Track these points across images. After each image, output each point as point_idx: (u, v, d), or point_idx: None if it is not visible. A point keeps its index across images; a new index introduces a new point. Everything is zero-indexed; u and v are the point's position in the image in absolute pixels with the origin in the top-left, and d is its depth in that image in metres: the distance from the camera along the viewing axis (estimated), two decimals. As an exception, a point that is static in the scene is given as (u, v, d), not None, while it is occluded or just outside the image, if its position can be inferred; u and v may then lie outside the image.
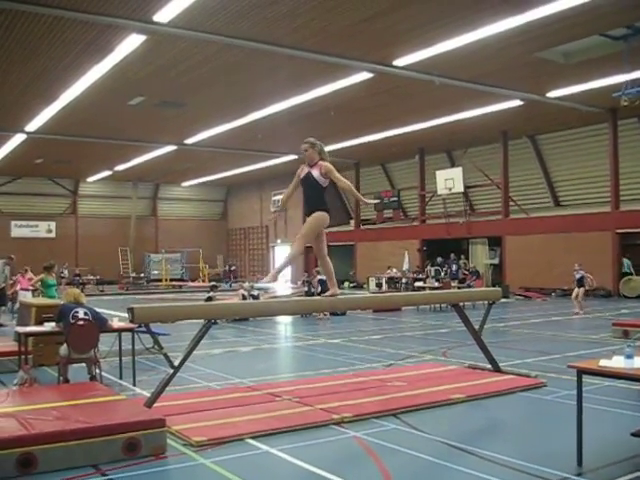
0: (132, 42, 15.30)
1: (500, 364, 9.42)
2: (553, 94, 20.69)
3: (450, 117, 23.88)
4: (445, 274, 27.13)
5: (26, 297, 16.01)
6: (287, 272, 40.12)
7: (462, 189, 30.10)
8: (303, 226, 7.65)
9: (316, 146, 7.74)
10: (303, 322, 18.41)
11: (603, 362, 5.45)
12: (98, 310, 9.15)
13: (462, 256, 28.51)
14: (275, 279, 7.59)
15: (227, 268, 41.06)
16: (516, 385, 8.44)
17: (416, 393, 7.97)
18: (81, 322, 8.45)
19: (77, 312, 8.55)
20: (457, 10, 13.92)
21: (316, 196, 7.66)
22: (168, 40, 15.50)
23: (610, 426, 6.58)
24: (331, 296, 8.02)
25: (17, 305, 16.49)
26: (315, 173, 7.58)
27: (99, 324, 8.70)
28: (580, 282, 18.96)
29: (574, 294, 19.03)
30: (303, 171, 7.75)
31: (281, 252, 42.52)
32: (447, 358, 11.18)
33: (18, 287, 18.06)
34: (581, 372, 5.47)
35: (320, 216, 7.54)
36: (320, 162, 7.65)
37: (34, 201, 41.25)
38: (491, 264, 29.81)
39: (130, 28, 14.46)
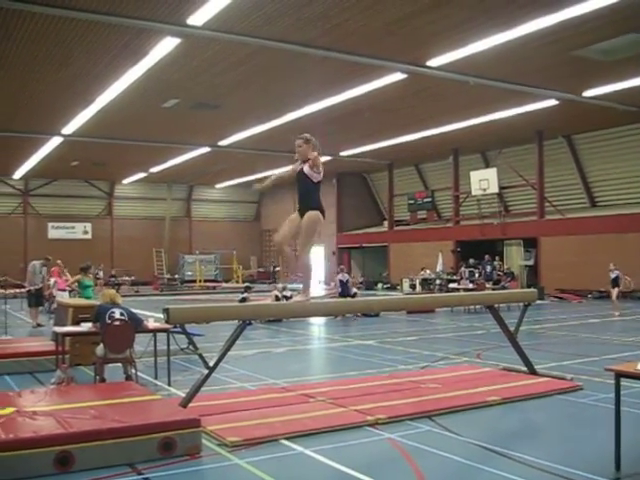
0: (166, 45, 15.41)
1: (536, 366, 9.33)
2: (589, 93, 20.41)
3: (484, 117, 23.69)
4: (479, 275, 26.91)
5: (63, 297, 16.22)
6: (320, 273, 40.27)
7: (497, 190, 29.88)
8: (301, 234, 7.43)
9: (310, 142, 7.51)
10: (336, 323, 18.40)
11: (642, 365, 5.37)
12: (134, 311, 9.24)
13: (497, 257, 28.25)
14: (308, 295, 7.52)
15: (272, 268, 41.05)
16: (552, 388, 8.35)
17: (451, 395, 7.92)
18: (117, 322, 8.55)
19: (113, 312, 8.65)
20: (491, 10, 13.79)
21: (307, 193, 7.50)
22: (202, 43, 15.59)
23: (649, 430, 6.48)
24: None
25: (54, 305, 16.73)
26: (306, 169, 7.39)
27: (135, 324, 8.79)
28: (615, 282, 18.71)
29: (613, 295, 18.79)
30: (298, 167, 7.58)
31: (314, 252, 42.55)
32: (482, 360, 11.09)
33: (52, 280, 18.33)
34: (619, 375, 5.38)
35: (313, 216, 7.37)
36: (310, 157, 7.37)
37: (70, 203, 41.79)
38: (526, 265, 29.52)
39: (165, 31, 14.56)
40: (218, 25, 14.25)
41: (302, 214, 7.39)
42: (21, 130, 25.35)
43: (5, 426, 5.47)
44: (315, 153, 7.35)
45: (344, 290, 21.85)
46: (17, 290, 23.51)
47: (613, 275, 18.84)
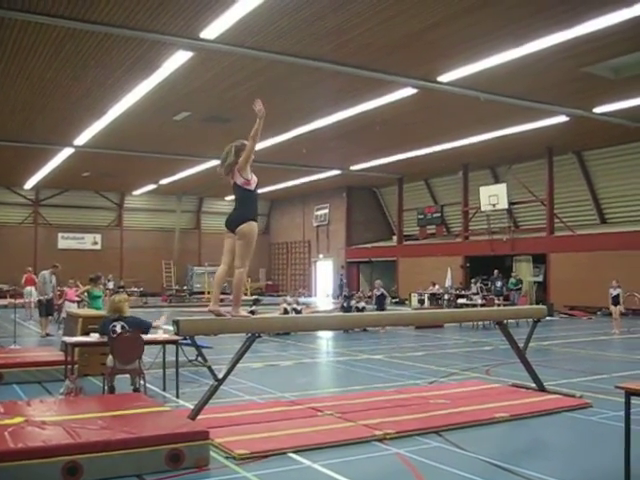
0: (179, 58, 15.53)
1: (544, 383, 9.29)
2: (600, 110, 20.41)
3: (495, 133, 23.72)
4: (488, 291, 26.84)
5: (71, 308, 16.27)
6: (329, 287, 40.26)
7: (506, 205, 29.84)
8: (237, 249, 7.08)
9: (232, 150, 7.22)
10: (345, 337, 18.36)
11: (652, 383, 5.35)
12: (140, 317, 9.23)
13: (512, 273, 28.24)
14: (238, 312, 7.22)
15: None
16: (561, 405, 8.31)
17: (459, 411, 7.90)
18: (127, 334, 8.55)
19: (114, 327, 8.66)
20: (502, 26, 13.84)
21: (238, 204, 7.19)
22: (214, 56, 15.69)
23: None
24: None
25: (63, 315, 16.76)
26: (238, 180, 7.09)
27: (143, 331, 8.80)
28: (616, 300, 18.62)
29: (613, 313, 18.68)
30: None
31: (323, 267, 42.58)
32: (490, 376, 11.05)
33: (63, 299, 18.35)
34: (630, 393, 5.36)
35: (247, 230, 7.02)
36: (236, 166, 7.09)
37: (80, 213, 41.99)
38: (535, 282, 29.44)
39: (177, 45, 14.68)
40: (230, 39, 14.35)
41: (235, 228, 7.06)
42: (33, 141, 25.51)
43: (14, 435, 5.49)
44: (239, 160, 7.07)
45: (380, 304, 21.87)
46: (27, 300, 23.62)
47: (615, 292, 18.73)
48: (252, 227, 7.00)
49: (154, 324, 9.37)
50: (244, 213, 7.05)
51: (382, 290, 22.66)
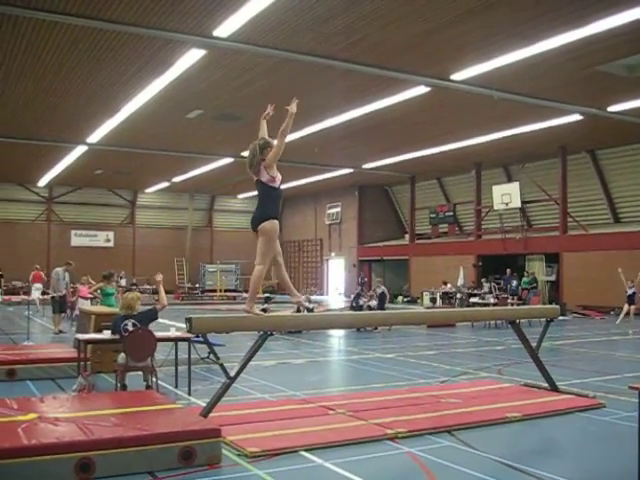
0: (192, 56, 15.56)
1: (557, 383, 9.26)
2: (614, 108, 20.29)
3: (508, 132, 23.62)
4: (501, 290, 26.83)
5: (85, 305, 16.34)
6: (341, 285, 40.26)
7: (519, 204, 29.71)
8: (258, 245, 7.25)
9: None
10: (357, 336, 18.36)
11: (666, 384, 5.31)
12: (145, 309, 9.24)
13: (525, 272, 28.31)
14: (252, 308, 7.33)
15: None
16: (574, 405, 8.28)
17: (471, 410, 7.88)
18: (139, 331, 8.58)
19: (126, 325, 8.70)
20: (516, 24, 13.79)
21: (261, 202, 7.31)
22: (227, 54, 15.72)
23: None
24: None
25: (76, 312, 16.84)
26: (263, 177, 7.16)
27: (152, 318, 8.83)
28: (631, 299, 18.53)
29: (625, 311, 18.59)
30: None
31: (335, 265, 42.59)
32: (502, 376, 11.02)
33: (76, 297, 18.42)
34: (643, 393, 5.33)
35: (268, 227, 7.16)
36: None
37: (93, 211, 42.19)
38: (548, 281, 29.33)
39: (190, 43, 14.71)
40: (243, 37, 14.37)
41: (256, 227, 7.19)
42: (47, 138, 25.67)
43: (27, 431, 5.52)
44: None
45: (382, 303, 21.83)
46: (40, 296, 23.77)
47: (630, 291, 18.64)
48: (273, 225, 7.10)
49: (157, 279, 9.37)
50: (266, 211, 7.15)
51: (383, 288, 22.59)
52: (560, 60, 15.81)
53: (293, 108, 7.16)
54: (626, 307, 18.55)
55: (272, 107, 7.41)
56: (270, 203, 7.21)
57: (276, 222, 7.15)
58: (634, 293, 18.66)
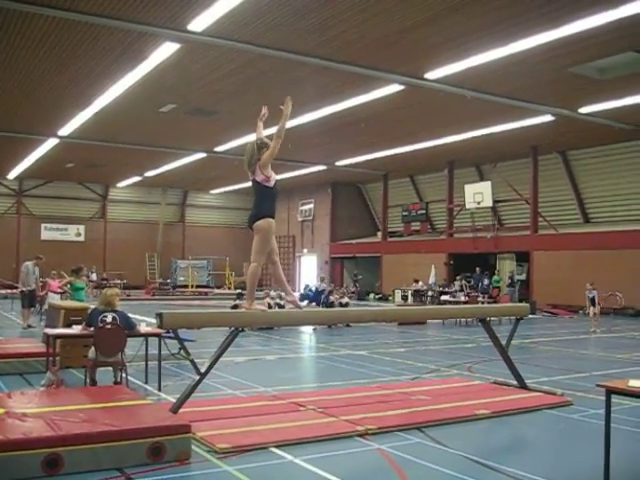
0: (166, 50, 15.46)
1: (526, 381, 9.35)
2: (585, 110, 20.52)
3: (480, 131, 23.79)
4: (472, 288, 27.12)
5: (54, 299, 16.17)
6: (312, 282, 40.27)
7: (491, 203, 29.97)
8: (253, 243, 7.25)
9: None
10: (328, 332, 18.37)
11: (633, 382, 5.37)
12: (129, 315, 9.21)
13: (497, 271, 28.83)
14: (252, 305, 7.40)
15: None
16: (542, 403, 8.36)
17: (441, 407, 7.93)
18: (108, 326, 8.52)
19: (105, 317, 8.64)
20: (490, 24, 13.88)
21: (257, 200, 7.32)
22: (201, 49, 15.63)
23: (638, 447, 6.49)
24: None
25: (45, 306, 16.67)
26: (258, 176, 7.19)
27: (127, 328, 8.76)
28: (592, 301, 18.97)
29: (591, 313, 18.96)
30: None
31: (307, 262, 42.60)
32: (472, 373, 11.11)
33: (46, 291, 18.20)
34: (610, 392, 5.39)
35: (263, 225, 7.19)
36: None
37: (64, 204, 41.72)
38: (518, 280, 29.62)
39: (164, 36, 14.61)
40: (218, 32, 14.31)
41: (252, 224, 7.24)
42: (17, 130, 25.35)
43: (-6, 427, 5.45)
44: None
45: (317, 299, 22.11)
46: (9, 290, 23.49)
47: (591, 295, 19.08)
48: (269, 223, 7.16)
49: (139, 328, 9.36)
50: (261, 210, 7.20)
51: (324, 286, 22.99)
52: (533, 61, 15.95)
53: (287, 108, 7.14)
54: (592, 309, 18.92)
55: (267, 108, 7.48)
56: (266, 202, 7.26)
57: (272, 220, 7.21)
58: (594, 296, 19.07)
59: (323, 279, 26.02)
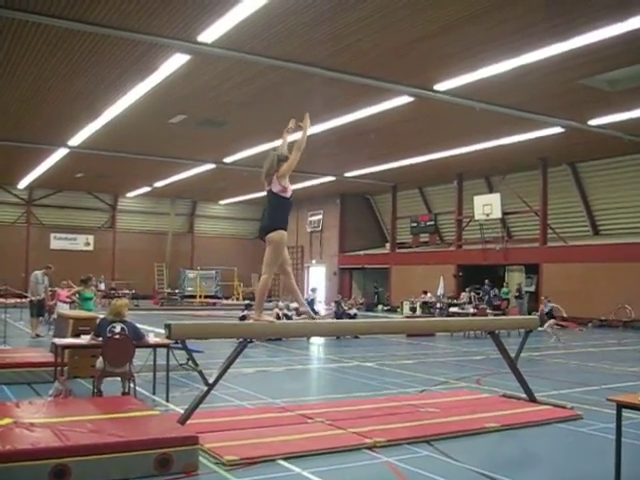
0: (176, 61, 15.50)
1: (535, 394, 9.29)
2: (595, 122, 20.47)
3: (489, 143, 23.75)
4: (480, 300, 27.05)
5: (63, 309, 16.18)
6: (321, 294, 40.26)
7: (500, 215, 29.91)
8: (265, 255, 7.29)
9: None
10: (336, 344, 18.33)
11: (644, 396, 5.34)
12: (138, 325, 9.21)
13: (506, 283, 28.83)
14: (260, 316, 7.42)
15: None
16: (552, 416, 8.31)
17: (449, 420, 7.89)
18: (117, 336, 8.52)
19: (114, 327, 8.65)
20: (500, 36, 13.88)
21: (270, 211, 7.40)
22: (211, 60, 15.67)
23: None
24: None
25: (54, 316, 16.68)
26: (275, 187, 7.25)
27: (135, 339, 8.76)
28: (550, 314, 19.25)
29: (546, 325, 19.11)
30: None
31: (316, 272, 42.58)
32: (481, 386, 11.05)
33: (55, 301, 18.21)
34: (621, 406, 5.35)
35: (276, 238, 7.22)
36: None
37: (74, 214, 41.86)
38: (527, 292, 29.51)
39: (175, 48, 14.65)
40: (228, 43, 14.34)
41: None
42: (27, 140, 25.44)
43: (2, 437, 5.44)
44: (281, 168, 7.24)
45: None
46: (18, 300, 23.50)
47: (547, 309, 19.37)
48: (281, 236, 7.18)
49: (147, 338, 9.36)
50: (275, 221, 7.23)
51: (312, 295, 23.28)
52: (543, 73, 15.93)
53: (306, 123, 7.26)
54: (551, 321, 19.26)
55: (294, 122, 7.55)
56: (279, 213, 7.29)
57: (284, 233, 7.22)
58: (551, 309, 19.44)
59: (315, 290, 26.33)
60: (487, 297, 27.12)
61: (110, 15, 12.99)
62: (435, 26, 13.48)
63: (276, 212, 7.27)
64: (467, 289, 29.34)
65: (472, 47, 14.53)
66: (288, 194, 7.24)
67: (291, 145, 7.39)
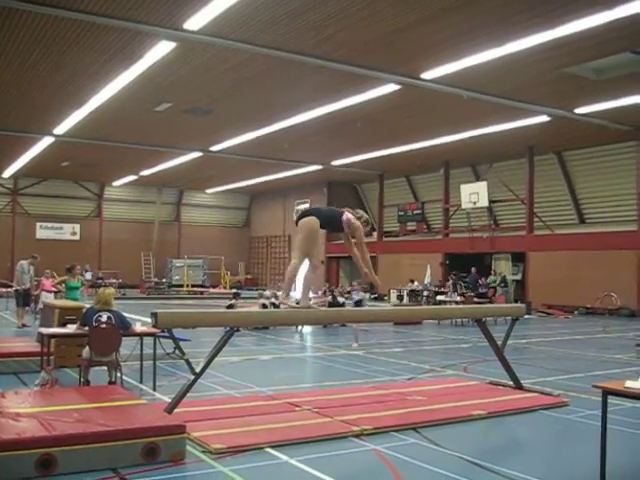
0: (162, 49, 15.41)
1: (522, 381, 9.33)
2: (581, 110, 20.54)
3: (476, 131, 23.80)
4: (467, 288, 27.14)
5: (48, 299, 16.09)
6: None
7: (486, 204, 29.96)
8: (296, 240, 7.63)
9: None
10: (323, 332, 18.35)
11: (629, 383, 5.35)
12: (124, 314, 9.16)
13: (495, 271, 28.91)
14: (307, 302, 7.71)
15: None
16: (538, 403, 8.35)
17: (436, 408, 7.90)
18: (103, 325, 8.48)
19: (100, 316, 8.59)
20: (487, 24, 13.88)
21: (323, 209, 7.87)
22: (197, 48, 15.60)
23: (634, 448, 6.49)
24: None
25: (39, 306, 16.61)
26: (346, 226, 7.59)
27: (122, 328, 8.72)
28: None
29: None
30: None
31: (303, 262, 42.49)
32: (468, 373, 11.09)
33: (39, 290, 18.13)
34: (607, 393, 5.38)
35: (306, 223, 7.45)
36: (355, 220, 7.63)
37: (59, 203, 41.66)
38: (514, 280, 29.64)
39: (160, 35, 14.56)
40: (214, 31, 14.27)
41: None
42: (12, 129, 25.27)
43: (-13, 427, 5.42)
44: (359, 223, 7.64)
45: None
46: (3, 290, 23.40)
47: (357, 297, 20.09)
48: (311, 222, 7.32)
49: (134, 327, 9.33)
50: (313, 210, 7.50)
51: (361, 295, 23.04)
52: (529, 61, 15.95)
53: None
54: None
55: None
56: (326, 214, 7.58)
57: (315, 221, 7.33)
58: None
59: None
60: (473, 285, 27.19)
61: (95, 2, 12.88)
62: (420, 15, 13.47)
63: (325, 212, 7.59)
64: (451, 275, 29.48)
65: (458, 35, 14.54)
66: (344, 225, 7.52)
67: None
